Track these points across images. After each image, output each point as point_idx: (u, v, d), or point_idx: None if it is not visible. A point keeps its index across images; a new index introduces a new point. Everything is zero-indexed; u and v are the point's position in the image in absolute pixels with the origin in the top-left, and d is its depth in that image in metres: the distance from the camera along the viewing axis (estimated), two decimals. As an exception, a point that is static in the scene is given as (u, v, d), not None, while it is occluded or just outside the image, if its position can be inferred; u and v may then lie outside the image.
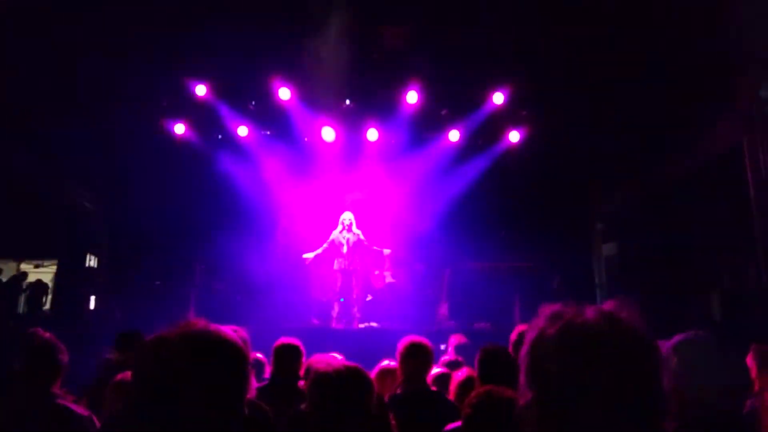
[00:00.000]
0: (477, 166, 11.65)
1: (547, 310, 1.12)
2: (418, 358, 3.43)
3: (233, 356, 1.30)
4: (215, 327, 1.33)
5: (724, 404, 1.67)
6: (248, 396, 2.47)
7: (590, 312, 1.08)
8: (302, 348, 3.84)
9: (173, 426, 1.22)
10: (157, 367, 1.24)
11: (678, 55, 7.94)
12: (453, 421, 2.32)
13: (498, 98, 10.13)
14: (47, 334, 2.93)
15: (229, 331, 1.35)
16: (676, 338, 1.74)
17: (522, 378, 1.12)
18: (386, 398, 3.31)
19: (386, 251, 9.80)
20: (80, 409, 2.79)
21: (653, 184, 10.04)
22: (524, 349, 1.12)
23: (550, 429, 1.05)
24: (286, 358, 3.73)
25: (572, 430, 1.01)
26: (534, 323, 1.12)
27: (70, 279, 11.60)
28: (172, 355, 1.23)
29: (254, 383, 3.75)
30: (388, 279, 10.61)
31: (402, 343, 3.52)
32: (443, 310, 10.06)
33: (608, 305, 1.10)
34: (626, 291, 11.45)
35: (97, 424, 2.79)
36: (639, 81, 8.45)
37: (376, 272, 10.66)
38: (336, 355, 3.84)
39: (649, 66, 8.14)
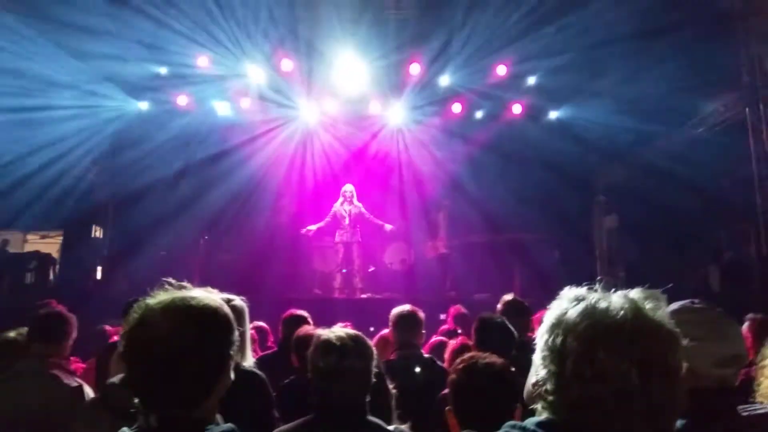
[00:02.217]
0: (479, 139, 11.63)
1: (570, 292, 1.13)
2: (406, 326, 3.55)
3: (216, 322, 1.33)
4: (198, 294, 1.36)
5: (718, 374, 1.67)
6: (245, 363, 2.55)
7: (615, 298, 1.08)
8: (310, 320, 3.92)
9: (159, 391, 1.26)
10: (141, 334, 1.28)
11: (683, 25, 7.86)
12: (445, 384, 2.38)
13: (501, 70, 10.04)
14: (57, 306, 2.99)
15: (214, 298, 1.38)
16: (673, 306, 1.71)
17: (537, 355, 1.12)
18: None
19: (389, 227, 9.76)
20: (70, 379, 2.87)
21: (655, 156, 10.02)
22: (543, 327, 1.12)
23: (560, 406, 1.06)
24: (294, 328, 3.81)
25: (581, 410, 1.03)
26: (556, 303, 1.12)
27: (76, 250, 11.67)
28: (154, 323, 1.27)
29: (258, 351, 3.85)
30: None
31: (393, 313, 3.63)
32: (444, 281, 10.16)
33: (635, 293, 1.10)
34: (626, 263, 11.51)
35: (90, 393, 2.88)
36: (641, 50, 8.38)
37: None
38: (341, 325, 3.93)
39: (652, 36, 8.06)
